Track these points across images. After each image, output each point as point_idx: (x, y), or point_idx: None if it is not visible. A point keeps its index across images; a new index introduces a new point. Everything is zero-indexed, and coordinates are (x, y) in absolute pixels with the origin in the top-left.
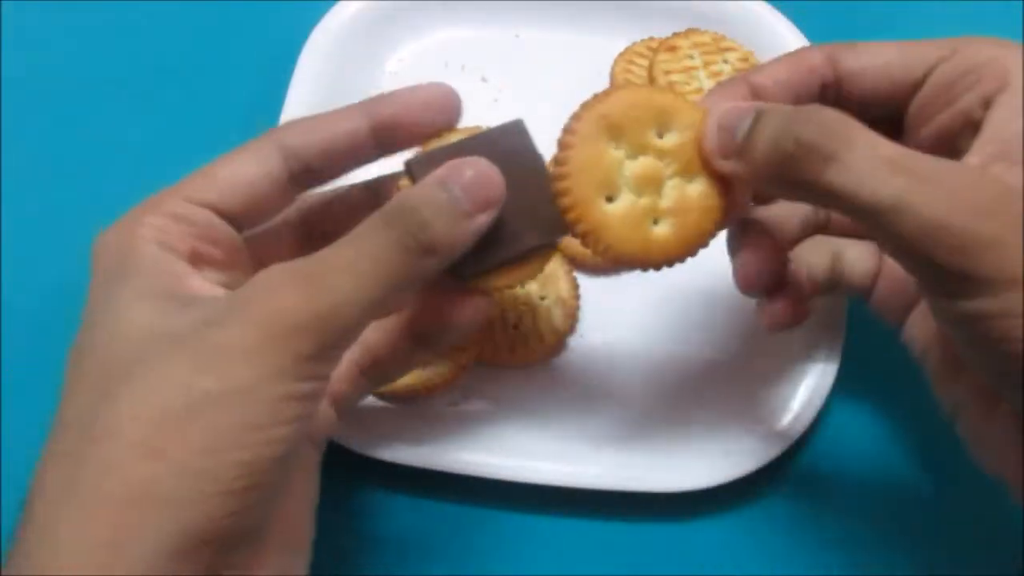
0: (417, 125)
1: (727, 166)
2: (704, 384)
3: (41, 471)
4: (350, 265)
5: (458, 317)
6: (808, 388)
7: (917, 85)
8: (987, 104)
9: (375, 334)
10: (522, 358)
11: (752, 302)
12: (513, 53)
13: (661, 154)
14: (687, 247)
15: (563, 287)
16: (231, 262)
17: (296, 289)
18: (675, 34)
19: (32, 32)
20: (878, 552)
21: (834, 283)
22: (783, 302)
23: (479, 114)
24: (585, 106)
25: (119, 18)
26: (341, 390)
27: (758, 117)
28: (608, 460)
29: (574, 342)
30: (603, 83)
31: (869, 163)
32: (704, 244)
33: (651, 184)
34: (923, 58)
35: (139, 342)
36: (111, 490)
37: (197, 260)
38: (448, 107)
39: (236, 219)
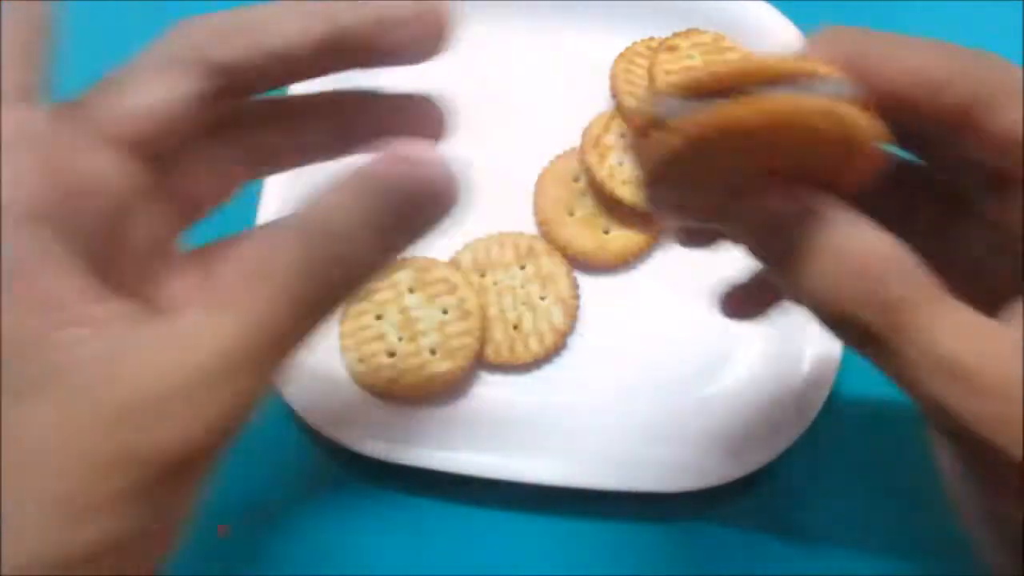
0: (393, 54)
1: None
2: (705, 383)
3: None
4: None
5: None
6: (809, 387)
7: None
8: None
9: None
10: (522, 358)
11: None
12: (513, 53)
13: None
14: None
15: (563, 287)
16: None
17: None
18: (675, 34)
19: None
20: (878, 551)
21: None
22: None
23: (479, 114)
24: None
25: (120, 18)
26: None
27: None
28: (608, 460)
29: (574, 342)
30: (603, 83)
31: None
32: None
33: None
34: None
35: None
36: None
37: None
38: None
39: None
